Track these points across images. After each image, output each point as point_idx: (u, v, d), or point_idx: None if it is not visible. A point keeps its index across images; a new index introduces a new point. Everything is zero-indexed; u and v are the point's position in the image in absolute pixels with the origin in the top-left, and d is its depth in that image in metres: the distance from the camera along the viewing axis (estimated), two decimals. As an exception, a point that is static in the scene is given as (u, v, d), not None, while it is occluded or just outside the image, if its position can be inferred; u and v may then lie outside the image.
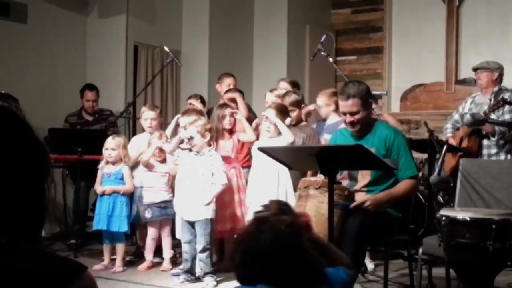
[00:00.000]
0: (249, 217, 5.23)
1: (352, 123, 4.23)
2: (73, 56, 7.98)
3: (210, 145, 5.29)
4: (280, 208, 1.98)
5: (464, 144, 6.08)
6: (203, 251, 5.12)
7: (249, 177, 5.51)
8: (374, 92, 6.11)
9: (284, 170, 5.11)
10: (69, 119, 7.28)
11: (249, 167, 5.71)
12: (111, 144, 5.74)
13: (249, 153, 5.76)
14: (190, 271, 5.20)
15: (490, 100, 6.05)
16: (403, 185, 4.15)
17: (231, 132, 5.80)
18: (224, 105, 5.95)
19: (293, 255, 1.89)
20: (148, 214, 5.80)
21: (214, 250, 5.51)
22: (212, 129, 5.32)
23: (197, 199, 5.15)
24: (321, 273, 1.96)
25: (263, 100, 6.24)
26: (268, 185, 5.23)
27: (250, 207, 5.33)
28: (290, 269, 1.87)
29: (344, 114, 4.26)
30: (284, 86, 6.41)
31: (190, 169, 5.24)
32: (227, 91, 6.43)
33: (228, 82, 6.75)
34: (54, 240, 6.55)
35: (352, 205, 3.94)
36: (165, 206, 5.76)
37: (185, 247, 5.25)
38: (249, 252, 1.88)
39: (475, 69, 6.44)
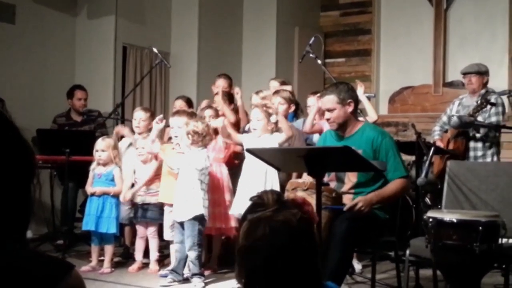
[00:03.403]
0: (235, 212, 5.24)
1: (329, 121, 4.31)
2: (62, 57, 7.95)
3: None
4: (278, 200, 1.82)
5: (451, 146, 6.12)
6: (190, 249, 5.11)
7: (240, 176, 5.49)
8: (366, 95, 6.17)
9: (272, 170, 5.12)
10: (57, 119, 7.26)
11: (232, 168, 5.73)
12: (101, 146, 5.73)
13: (233, 154, 5.83)
14: (178, 271, 5.20)
15: (477, 102, 6.09)
16: (393, 185, 4.17)
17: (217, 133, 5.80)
18: (205, 107, 6.01)
19: (309, 251, 1.79)
20: (131, 214, 5.87)
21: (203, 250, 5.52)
22: (198, 133, 5.29)
23: (184, 198, 5.14)
24: (319, 274, 1.90)
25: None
26: (255, 184, 5.23)
27: (236, 208, 5.31)
28: (305, 267, 1.78)
29: (324, 112, 4.37)
30: (275, 85, 6.48)
31: (180, 171, 5.25)
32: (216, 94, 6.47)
33: (218, 83, 6.76)
34: (41, 241, 6.52)
35: (346, 207, 3.95)
36: (147, 208, 5.72)
37: (175, 247, 5.24)
38: (271, 257, 1.74)
39: (465, 73, 6.45)
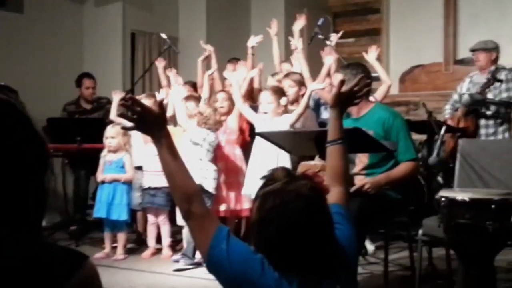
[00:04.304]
0: (249, 193, 5.24)
1: None
2: (70, 45, 7.97)
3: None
4: (288, 174, 1.85)
5: (461, 124, 6.08)
6: None
7: (250, 157, 5.49)
8: (372, 74, 6.14)
9: (284, 153, 5.12)
10: (67, 107, 7.28)
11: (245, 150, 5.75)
12: (111, 133, 5.75)
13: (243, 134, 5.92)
14: (188, 255, 5.22)
15: (487, 79, 6.06)
16: (402, 167, 4.13)
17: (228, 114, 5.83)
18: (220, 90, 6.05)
19: (323, 219, 1.80)
20: (140, 200, 5.90)
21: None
22: (201, 114, 5.34)
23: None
24: (336, 244, 1.90)
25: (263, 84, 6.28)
26: (267, 165, 5.22)
27: (247, 188, 5.33)
28: (321, 236, 1.79)
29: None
30: (287, 68, 6.45)
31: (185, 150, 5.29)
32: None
33: (228, 68, 6.77)
34: (55, 230, 6.56)
35: (352, 189, 3.94)
36: (154, 194, 5.72)
37: (186, 230, 5.27)
38: (283, 228, 1.75)
39: (473, 50, 6.43)
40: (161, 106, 2.07)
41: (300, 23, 6.50)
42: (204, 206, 1.98)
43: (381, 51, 9.47)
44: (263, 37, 6.82)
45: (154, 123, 2.01)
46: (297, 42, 6.15)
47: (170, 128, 5.60)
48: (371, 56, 5.91)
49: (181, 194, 1.96)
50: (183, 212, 1.97)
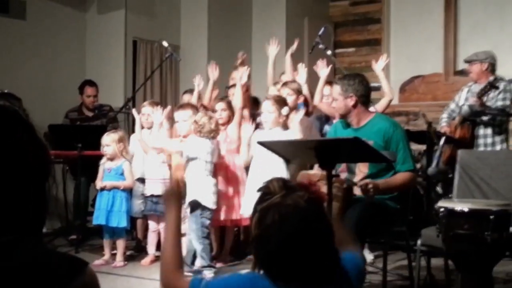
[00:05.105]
0: (247, 205, 5.25)
1: (334, 108, 4.40)
2: (72, 52, 7.99)
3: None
4: (284, 185, 1.83)
5: (458, 132, 6.07)
6: (196, 243, 5.14)
7: (250, 167, 5.51)
8: (372, 84, 6.15)
9: (280, 168, 5.17)
10: (69, 114, 7.30)
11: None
12: (106, 141, 5.77)
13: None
14: (187, 262, 5.23)
15: (485, 86, 6.05)
16: (400, 177, 4.15)
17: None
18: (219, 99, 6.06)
19: (321, 227, 1.80)
20: (141, 207, 5.91)
21: (214, 241, 5.56)
22: (197, 123, 5.33)
23: (189, 185, 5.18)
24: (337, 252, 1.86)
25: (263, 92, 6.28)
26: (266, 176, 5.23)
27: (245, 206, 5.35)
28: (320, 245, 1.78)
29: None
30: (286, 79, 6.46)
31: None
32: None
33: (233, 75, 6.78)
34: (55, 236, 6.57)
35: (360, 183, 3.94)
36: (157, 201, 5.73)
37: (186, 238, 5.27)
38: (283, 242, 1.75)
39: (465, 62, 6.45)
40: (179, 185, 2.36)
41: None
42: (182, 281, 2.04)
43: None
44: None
45: (175, 196, 2.25)
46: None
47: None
48: (379, 65, 5.89)
49: (166, 269, 2.11)
50: (162, 282, 2.12)
